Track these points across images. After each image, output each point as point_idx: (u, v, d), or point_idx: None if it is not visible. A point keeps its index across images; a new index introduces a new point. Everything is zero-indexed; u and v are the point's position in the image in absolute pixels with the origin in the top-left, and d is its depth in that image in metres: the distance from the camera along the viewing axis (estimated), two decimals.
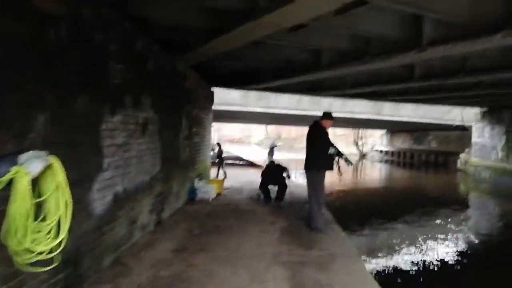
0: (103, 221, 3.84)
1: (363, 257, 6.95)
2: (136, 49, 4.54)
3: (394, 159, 35.62)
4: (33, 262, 1.63)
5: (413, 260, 7.05)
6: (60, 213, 1.65)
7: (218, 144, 14.15)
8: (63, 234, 1.63)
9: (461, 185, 19.92)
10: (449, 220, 10.75)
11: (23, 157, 1.51)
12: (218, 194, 8.89)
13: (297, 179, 13.64)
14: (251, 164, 19.90)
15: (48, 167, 1.59)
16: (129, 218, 4.59)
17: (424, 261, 7.06)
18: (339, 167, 6.10)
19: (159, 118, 5.46)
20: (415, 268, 6.72)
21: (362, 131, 43.09)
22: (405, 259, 7.16)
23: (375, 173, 26.90)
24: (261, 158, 23.24)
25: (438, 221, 10.48)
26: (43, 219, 1.61)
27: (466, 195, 17.00)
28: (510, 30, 4.17)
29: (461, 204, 13.93)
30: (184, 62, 6.59)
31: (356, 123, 26.25)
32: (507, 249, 8.29)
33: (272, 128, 59.72)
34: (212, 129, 12.80)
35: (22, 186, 1.48)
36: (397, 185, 20.24)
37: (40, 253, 1.59)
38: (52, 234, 1.62)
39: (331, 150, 5.86)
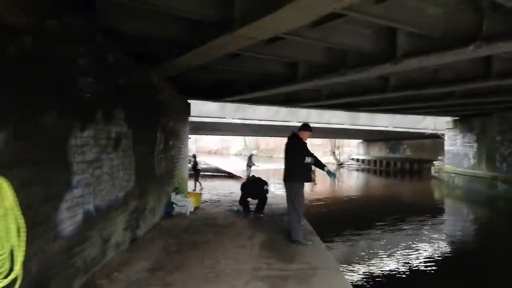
0: (72, 242, 3.64)
1: (343, 267, 6.94)
2: (108, 62, 4.39)
3: (371, 167, 36.17)
4: None
5: (391, 268, 7.08)
6: (12, 243, 1.41)
7: (194, 156, 13.95)
8: (17, 271, 1.41)
9: (435, 192, 20.37)
10: (425, 227, 10.90)
11: None
12: (196, 208, 8.69)
13: (276, 190, 13.59)
14: (230, 176, 19.72)
15: None
16: (101, 237, 4.38)
17: (401, 268, 7.09)
18: (314, 178, 6.10)
19: (133, 132, 5.29)
20: (393, 276, 6.73)
21: (339, 141, 43.66)
22: (383, 268, 7.17)
23: (352, 182, 27.15)
24: (240, 169, 23.10)
25: (414, 228, 10.61)
26: None
27: (440, 201, 17.37)
28: (481, 42, 4.27)
29: (436, 210, 14.19)
30: (158, 74, 6.46)
31: (333, 133, 26.55)
32: (481, 254, 8.46)
33: (251, 139, 59.79)
34: (190, 141, 12.62)
35: None
36: (374, 193, 20.50)
37: None
38: (3, 269, 1.39)
39: (308, 159, 5.84)
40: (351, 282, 6.34)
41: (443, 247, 8.96)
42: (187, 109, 10.17)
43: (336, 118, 19.89)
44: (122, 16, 4.16)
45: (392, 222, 11.22)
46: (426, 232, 10.15)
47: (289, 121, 18.12)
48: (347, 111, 15.62)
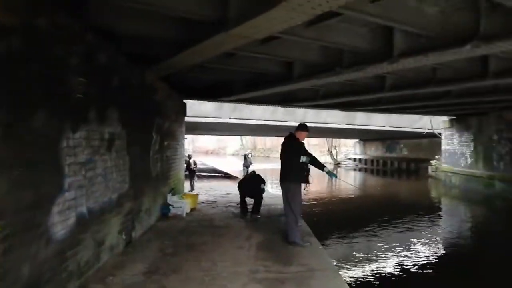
0: (65, 246, 3.56)
1: (341, 268, 6.89)
2: (100, 62, 4.31)
3: (368, 167, 36.21)
4: None
5: (389, 269, 7.04)
6: None
7: (189, 157, 13.88)
8: None
9: (432, 191, 20.37)
10: (423, 226, 10.88)
11: None
12: (193, 209, 8.63)
13: (274, 190, 13.54)
14: (227, 176, 19.66)
15: None
16: (95, 240, 4.30)
17: (399, 269, 7.05)
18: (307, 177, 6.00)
19: (127, 132, 5.22)
20: (391, 276, 6.69)
21: (335, 140, 43.70)
22: (381, 268, 7.13)
23: (349, 181, 27.15)
24: (237, 169, 23.05)
25: (411, 228, 10.58)
26: None
27: (437, 201, 17.37)
28: (479, 41, 4.24)
29: (433, 210, 14.18)
30: (153, 74, 6.38)
31: (329, 132, 26.55)
32: (479, 253, 8.44)
33: (248, 139, 59.78)
34: (186, 141, 12.53)
35: None
36: (371, 192, 20.47)
37: None
38: None
39: (303, 158, 5.77)
40: (349, 283, 6.32)
41: (441, 246, 8.94)
42: (183, 109, 10.10)
43: (333, 118, 19.88)
44: (116, 15, 4.10)
45: (389, 222, 11.19)
46: (423, 232, 10.13)
47: (286, 121, 18.09)
48: (343, 110, 15.61)
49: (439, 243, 9.27)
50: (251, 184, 8.41)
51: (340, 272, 5.19)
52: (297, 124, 6.45)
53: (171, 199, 8.07)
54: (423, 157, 27.90)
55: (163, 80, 7.27)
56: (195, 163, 13.74)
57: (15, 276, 2.78)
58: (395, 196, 19.41)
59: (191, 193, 10.79)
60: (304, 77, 6.92)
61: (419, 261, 7.51)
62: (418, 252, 8.18)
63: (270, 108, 17.70)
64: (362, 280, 6.58)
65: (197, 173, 14.94)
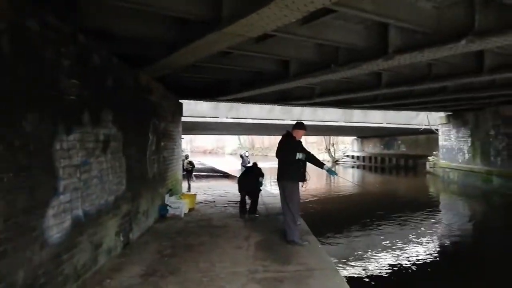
0: (61, 249, 3.54)
1: (341, 267, 6.88)
2: (94, 63, 4.27)
3: (366, 164, 36.26)
4: None
5: (388, 267, 7.03)
6: None
7: (186, 157, 13.85)
8: None
9: (431, 188, 20.40)
10: (421, 223, 10.89)
11: None
12: (191, 209, 8.60)
13: (272, 189, 13.52)
14: (225, 176, 19.63)
15: None
16: (92, 243, 4.27)
17: (399, 266, 7.04)
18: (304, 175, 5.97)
19: (122, 134, 5.19)
20: (390, 274, 6.68)
21: (333, 138, 43.75)
22: (380, 266, 7.12)
23: (347, 179, 27.17)
24: (236, 168, 23.01)
25: (410, 225, 10.58)
26: None
27: (436, 197, 17.40)
28: (474, 37, 4.23)
29: (432, 206, 14.21)
30: (147, 75, 6.35)
31: (327, 130, 26.56)
32: (478, 249, 8.45)
33: (246, 138, 59.77)
34: (184, 141, 12.49)
35: None
36: (369, 190, 20.48)
37: None
38: None
39: (299, 155, 5.74)
40: (349, 282, 6.30)
41: (440, 243, 8.94)
42: (179, 109, 10.06)
43: (330, 115, 19.86)
44: (108, 16, 4.07)
45: (388, 219, 11.19)
46: (422, 229, 10.13)
47: (283, 120, 18.06)
48: (340, 108, 15.59)
49: (438, 239, 9.26)
50: (249, 178, 8.20)
51: (339, 271, 5.17)
52: (294, 122, 6.43)
53: (169, 199, 8.04)
54: (421, 153, 27.95)
55: (159, 80, 7.23)
56: (191, 164, 13.70)
57: (10, 281, 2.75)
58: (394, 193, 19.42)
59: (189, 193, 10.76)
60: (300, 75, 6.90)
61: (418, 258, 7.50)
62: (418, 249, 8.18)
63: (267, 107, 17.67)
64: (362, 278, 6.56)
65: (195, 173, 14.92)
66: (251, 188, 8.04)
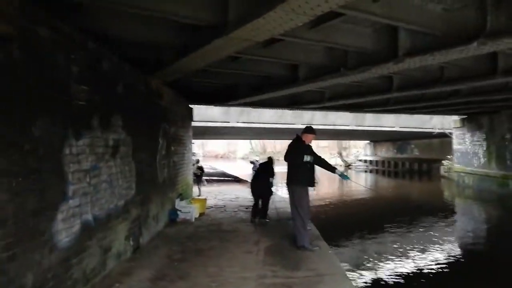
0: (70, 253, 3.57)
1: (352, 273, 6.79)
2: (103, 69, 4.33)
3: (379, 168, 35.87)
4: None
5: (401, 273, 6.91)
6: None
7: (197, 161, 13.91)
8: None
9: (445, 192, 20.06)
10: (436, 228, 10.70)
11: None
12: (201, 214, 8.61)
13: (283, 193, 13.46)
14: (236, 180, 19.63)
15: None
16: (101, 247, 4.30)
17: (412, 272, 6.92)
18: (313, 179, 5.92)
19: (132, 139, 5.23)
20: (404, 281, 6.56)
21: (345, 142, 43.42)
22: (393, 272, 7.00)
23: (360, 183, 26.92)
24: (247, 173, 23.00)
25: (425, 230, 10.40)
26: None
27: (451, 201, 17.09)
28: (485, 39, 4.15)
29: (446, 211, 13.95)
30: (158, 80, 6.40)
31: (338, 134, 26.36)
32: (494, 255, 8.24)
33: (257, 143, 59.74)
34: (196, 145, 12.53)
35: None
36: (382, 194, 20.25)
37: None
38: None
39: (307, 158, 5.69)
40: None
41: (455, 248, 8.76)
42: (189, 114, 10.12)
43: (341, 120, 19.73)
44: (118, 22, 4.12)
45: (402, 224, 11.03)
46: (437, 234, 9.94)
47: (294, 124, 18.00)
48: (351, 112, 15.47)
49: (453, 245, 9.08)
50: (260, 179, 8.05)
51: (350, 277, 5.10)
52: (305, 127, 6.40)
53: (179, 204, 8.07)
54: (435, 157, 27.51)
55: (169, 85, 7.29)
56: (200, 169, 13.73)
57: (19, 284, 2.78)
58: (408, 197, 19.15)
59: (199, 197, 10.78)
60: (309, 79, 6.87)
61: (432, 264, 7.36)
62: (431, 254, 8.02)
63: (277, 111, 17.65)
64: (373, 285, 6.46)
65: (206, 178, 14.95)
66: (262, 190, 7.93)
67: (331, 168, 6.07)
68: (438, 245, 8.78)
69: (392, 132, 22.88)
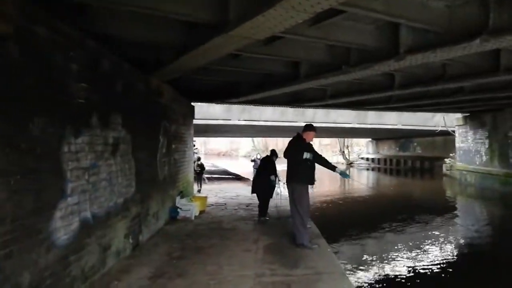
0: (68, 251, 3.56)
1: (352, 271, 6.78)
2: (102, 67, 4.31)
3: (381, 166, 35.79)
4: None
5: (402, 271, 6.88)
6: None
7: (198, 159, 13.91)
8: None
9: (447, 190, 19.99)
10: (438, 227, 10.66)
11: None
12: (202, 211, 8.61)
13: (283, 191, 13.44)
14: (237, 178, 19.63)
15: None
16: (100, 245, 4.30)
17: (413, 271, 6.89)
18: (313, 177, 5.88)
19: (132, 137, 5.22)
20: (404, 279, 6.54)
21: (348, 140, 43.32)
22: (393, 270, 6.98)
23: (362, 181, 26.88)
24: (249, 171, 23.00)
25: (426, 229, 10.35)
26: None
27: (453, 199, 17.03)
28: (488, 36, 4.11)
29: (448, 209, 13.90)
30: (158, 78, 6.38)
31: (341, 132, 26.32)
32: (496, 254, 8.20)
33: (259, 140, 59.70)
34: (198, 143, 12.54)
35: None
36: (384, 192, 20.20)
37: None
38: None
39: (307, 155, 5.65)
40: (359, 286, 6.20)
41: (457, 247, 8.72)
42: (190, 112, 10.10)
43: (343, 118, 19.68)
44: (117, 21, 4.11)
45: (403, 222, 10.99)
46: (438, 233, 9.91)
47: (296, 122, 17.97)
48: (353, 109, 15.44)
49: (454, 243, 9.05)
50: (261, 177, 7.95)
51: (349, 275, 5.08)
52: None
53: (179, 201, 8.06)
54: (438, 155, 27.42)
55: (169, 83, 7.27)
56: (200, 166, 13.73)
57: (15, 282, 2.77)
58: (409, 195, 19.10)
59: (200, 195, 10.78)
60: (311, 76, 6.83)
61: (433, 263, 7.33)
62: (432, 253, 7.99)
63: (279, 109, 17.62)
64: (373, 283, 6.44)
65: (207, 175, 14.94)
66: (262, 189, 7.88)
67: (331, 167, 6.04)
68: (439, 244, 8.75)
69: (394, 130, 22.82)
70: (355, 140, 43.56)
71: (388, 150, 36.44)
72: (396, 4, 4.03)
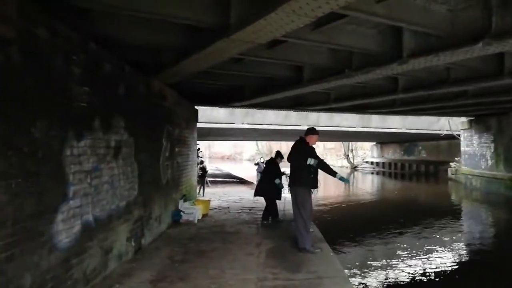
0: (70, 254, 3.57)
1: (355, 276, 6.73)
2: (105, 71, 4.33)
3: (385, 170, 35.66)
4: None
5: (405, 277, 6.82)
6: None
7: (201, 162, 13.93)
8: None
9: (452, 195, 19.86)
10: (443, 231, 10.57)
11: None
12: (205, 215, 8.60)
13: (286, 194, 13.40)
14: (241, 181, 19.62)
15: None
16: (102, 248, 4.31)
17: (415, 276, 6.82)
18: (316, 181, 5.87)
19: (135, 140, 5.24)
20: (406, 285, 6.48)
21: (352, 144, 43.22)
22: (396, 275, 6.91)
23: (367, 185, 26.77)
24: (252, 174, 22.99)
25: (430, 233, 10.27)
26: None
27: (458, 204, 16.91)
28: (490, 39, 4.10)
29: (453, 213, 13.79)
30: (160, 82, 6.41)
31: (344, 136, 26.27)
32: (501, 259, 8.11)
33: (263, 144, 59.73)
34: (202, 147, 12.57)
35: None
36: (389, 196, 20.12)
37: None
38: None
39: (310, 161, 5.63)
40: None
41: (461, 252, 8.64)
42: (194, 115, 10.13)
43: (347, 121, 19.64)
44: (118, 24, 4.15)
45: (408, 227, 10.92)
46: (442, 237, 9.83)
47: (299, 125, 17.96)
48: (357, 113, 15.41)
49: (459, 248, 8.96)
50: (264, 182, 7.96)
51: (352, 280, 5.05)
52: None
53: (182, 205, 8.07)
54: (443, 159, 27.29)
55: (173, 87, 7.30)
56: (202, 169, 13.75)
57: (17, 284, 2.78)
58: (414, 200, 18.98)
59: (203, 199, 10.78)
60: (314, 80, 6.85)
61: (437, 268, 7.25)
62: (437, 258, 7.92)
63: (282, 113, 17.62)
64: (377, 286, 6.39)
65: (211, 179, 14.94)
66: (266, 191, 7.87)
67: (332, 172, 6.00)
68: (444, 249, 8.67)
69: (398, 134, 22.73)
70: (359, 143, 43.44)
71: (392, 154, 36.30)
72: (398, 8, 4.04)
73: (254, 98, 8.63)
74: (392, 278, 6.81)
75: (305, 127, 6.35)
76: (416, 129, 21.47)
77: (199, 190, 12.79)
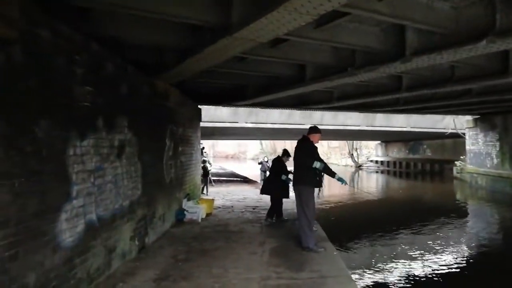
0: (74, 253, 3.59)
1: (359, 275, 6.71)
2: (108, 71, 4.35)
3: (390, 169, 35.50)
4: None
5: (409, 277, 6.79)
6: None
7: (203, 161, 13.96)
8: None
9: (458, 193, 19.74)
10: (448, 230, 10.52)
11: None
12: (208, 214, 8.62)
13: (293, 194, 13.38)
14: (245, 181, 19.64)
15: None
16: (105, 247, 4.33)
17: (420, 276, 6.79)
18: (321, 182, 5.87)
19: (138, 139, 5.25)
20: (411, 285, 6.45)
21: (356, 142, 43.05)
22: (400, 275, 6.89)
23: (371, 184, 26.68)
24: (256, 173, 23.00)
25: (435, 232, 10.23)
26: None
27: (463, 203, 16.81)
28: (494, 37, 4.06)
29: (458, 212, 13.72)
30: (163, 81, 6.42)
31: (349, 135, 26.19)
32: (507, 258, 8.05)
33: (267, 143, 59.68)
34: (206, 146, 12.58)
35: None
36: (394, 195, 20.03)
37: None
38: None
39: (316, 164, 5.63)
40: None
41: (466, 251, 8.58)
42: (197, 115, 10.14)
43: (351, 120, 19.58)
44: (119, 24, 4.15)
45: (413, 226, 10.88)
46: (448, 236, 9.78)
47: (303, 124, 17.90)
48: (361, 112, 15.33)
49: (464, 248, 8.90)
50: (270, 181, 7.96)
51: (355, 279, 5.04)
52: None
53: (186, 204, 8.09)
54: (448, 158, 27.12)
55: (176, 86, 7.31)
56: (203, 168, 13.76)
57: (21, 283, 2.80)
58: (419, 199, 18.88)
59: (207, 198, 10.80)
60: (316, 79, 6.83)
61: (442, 268, 7.22)
62: (442, 258, 7.87)
63: (286, 112, 17.60)
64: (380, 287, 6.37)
65: (214, 178, 14.95)
66: (273, 189, 7.88)
67: (331, 173, 5.98)
68: (450, 248, 8.62)
69: (403, 132, 22.62)
70: (364, 142, 43.25)
71: (397, 152, 36.14)
72: (401, 6, 4.01)
73: (257, 97, 8.62)
74: (397, 277, 6.78)
75: (309, 126, 6.36)
76: (421, 128, 21.36)
77: (202, 189, 12.82)
